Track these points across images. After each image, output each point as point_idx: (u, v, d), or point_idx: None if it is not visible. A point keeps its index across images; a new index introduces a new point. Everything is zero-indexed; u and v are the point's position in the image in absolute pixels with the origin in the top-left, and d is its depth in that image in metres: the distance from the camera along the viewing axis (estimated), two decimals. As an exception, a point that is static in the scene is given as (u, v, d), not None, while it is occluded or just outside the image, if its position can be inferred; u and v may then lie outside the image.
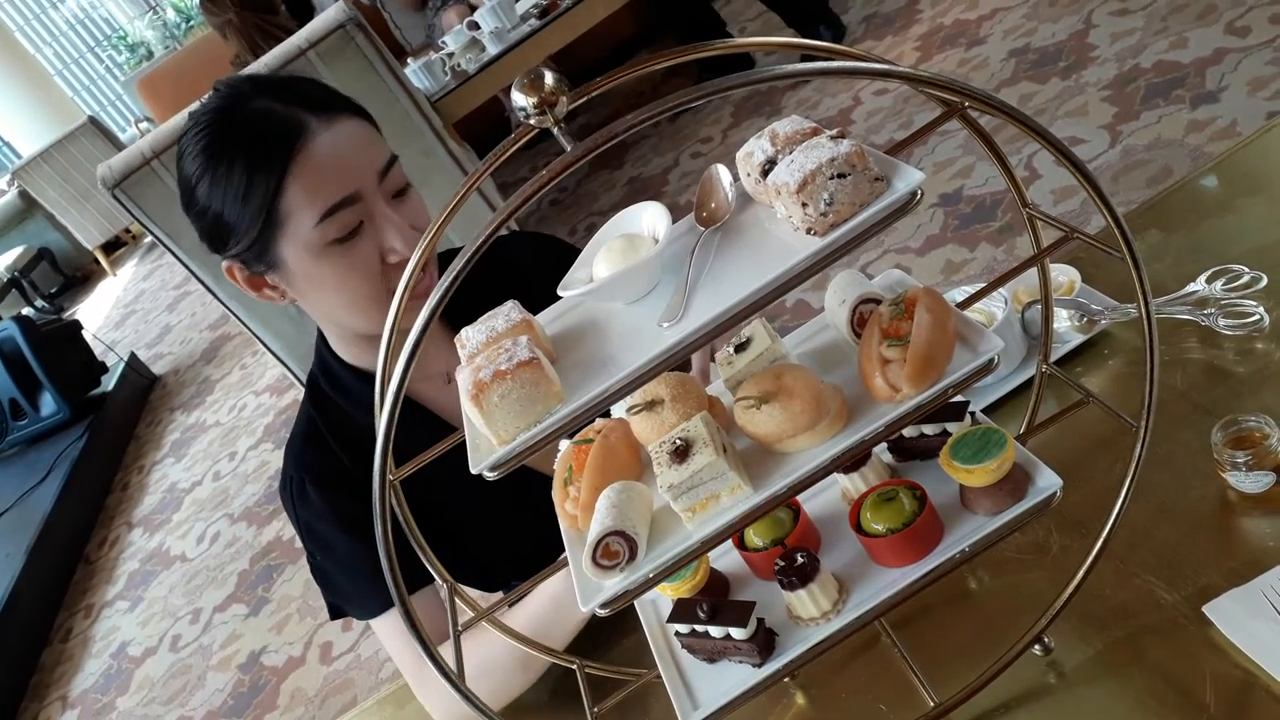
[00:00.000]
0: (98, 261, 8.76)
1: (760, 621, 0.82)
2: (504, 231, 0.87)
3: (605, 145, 0.59)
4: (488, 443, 0.71)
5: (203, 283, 2.93)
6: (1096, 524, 0.85)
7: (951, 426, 0.87)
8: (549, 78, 0.60)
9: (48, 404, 4.85)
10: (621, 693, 0.98)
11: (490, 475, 0.70)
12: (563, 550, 0.85)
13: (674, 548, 0.74)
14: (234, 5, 4.33)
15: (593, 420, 0.76)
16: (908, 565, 0.82)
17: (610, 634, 1.15)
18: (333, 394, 1.30)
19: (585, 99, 0.64)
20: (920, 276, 2.73)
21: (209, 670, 3.18)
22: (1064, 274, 1.24)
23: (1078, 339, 1.19)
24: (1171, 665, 0.84)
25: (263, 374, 4.90)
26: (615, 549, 0.73)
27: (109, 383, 5.23)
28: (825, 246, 0.67)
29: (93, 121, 8.12)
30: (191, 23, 10.86)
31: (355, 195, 1.12)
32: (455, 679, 0.78)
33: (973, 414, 0.89)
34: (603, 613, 0.75)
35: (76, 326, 5.22)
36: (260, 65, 3.31)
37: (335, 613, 1.32)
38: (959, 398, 0.82)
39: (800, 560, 0.81)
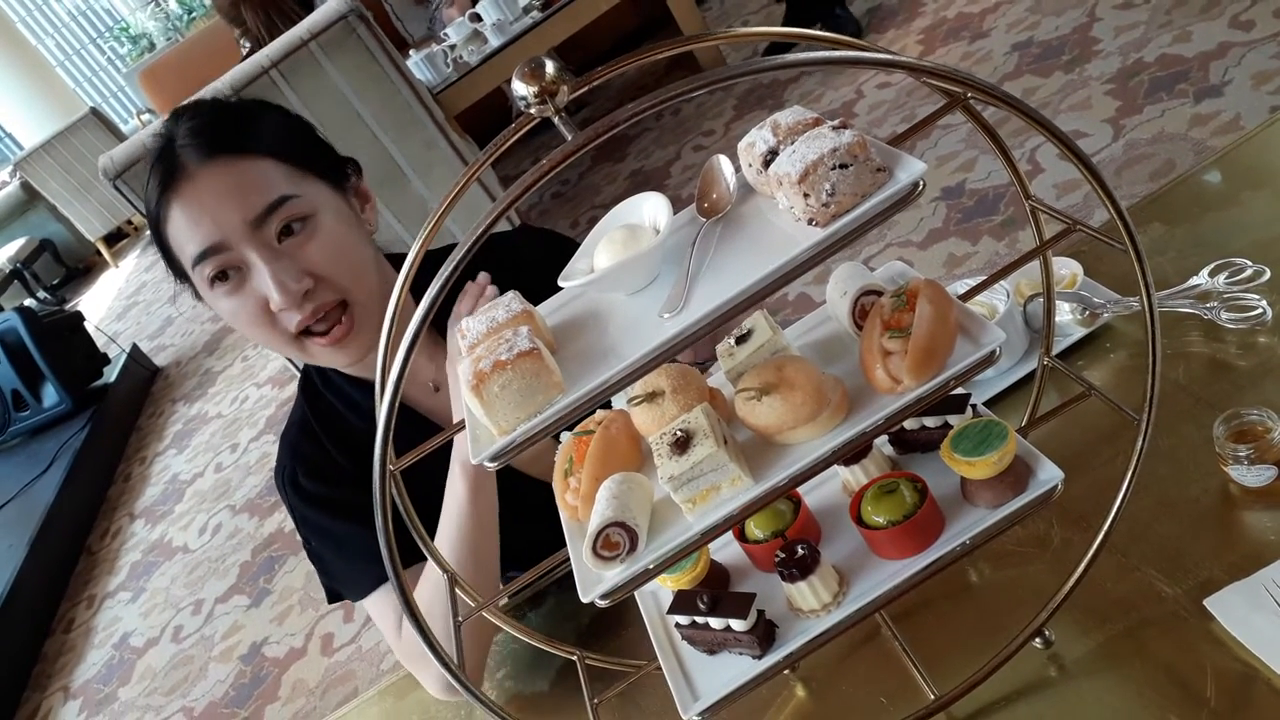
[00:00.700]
0: (100, 253, 8.76)
1: (760, 613, 0.82)
2: (504, 224, 0.87)
3: (607, 134, 0.58)
4: (488, 433, 0.71)
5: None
6: (1098, 517, 0.85)
7: (953, 419, 0.87)
8: (550, 66, 0.60)
9: (50, 395, 4.86)
10: (621, 684, 0.98)
11: (490, 466, 0.70)
12: (557, 549, 0.86)
13: (674, 539, 0.74)
14: None
15: (593, 411, 0.76)
16: (908, 558, 0.81)
17: (610, 625, 1.16)
18: (325, 392, 1.32)
19: (587, 89, 0.64)
20: (922, 270, 2.72)
21: (211, 661, 3.18)
22: (1066, 267, 1.23)
23: (1080, 332, 1.18)
24: (1172, 659, 0.84)
25: (264, 366, 4.91)
26: (616, 540, 0.73)
27: (111, 374, 5.24)
28: (827, 237, 0.66)
29: (95, 113, 8.12)
30: (194, 14, 10.85)
31: (221, 244, 1.12)
32: (454, 667, 0.78)
33: (974, 406, 0.89)
34: (603, 603, 0.75)
35: (79, 318, 5.23)
36: (263, 57, 3.31)
37: (332, 596, 1.34)
38: (960, 390, 0.82)
39: (801, 552, 0.81)
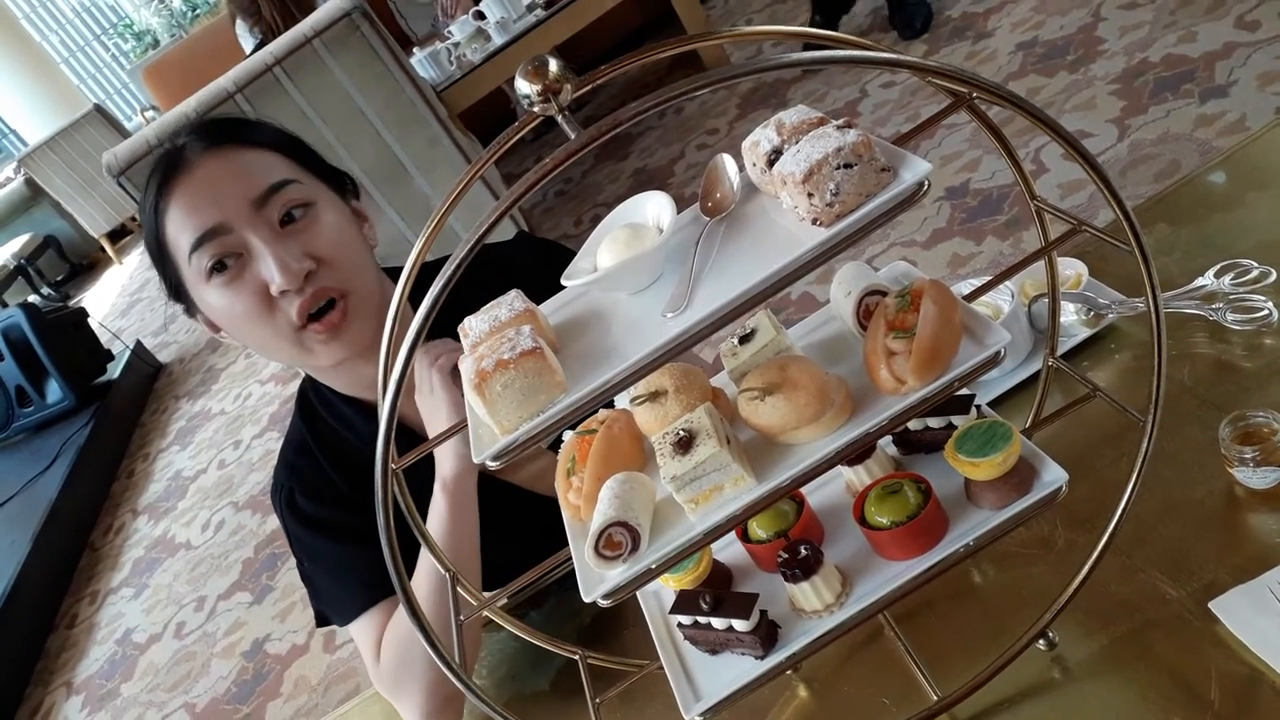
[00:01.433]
0: (103, 249, 8.77)
1: (763, 614, 0.82)
2: (507, 224, 0.87)
3: (610, 133, 0.58)
4: (490, 432, 0.71)
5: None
6: (1102, 519, 0.84)
7: (957, 419, 0.87)
8: (553, 64, 0.60)
9: (54, 391, 4.87)
10: (623, 683, 0.98)
11: (492, 465, 0.70)
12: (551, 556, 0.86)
13: (677, 539, 0.73)
14: None
15: (596, 411, 0.76)
16: (912, 559, 0.81)
17: (612, 625, 1.15)
18: (322, 410, 1.31)
19: (590, 87, 0.64)
20: (926, 270, 2.71)
21: (213, 657, 3.19)
22: (1071, 268, 1.23)
23: (1084, 333, 1.18)
24: (1177, 661, 0.83)
25: (267, 363, 4.91)
26: (618, 540, 0.73)
27: (114, 370, 5.25)
28: (831, 237, 0.66)
29: (99, 110, 8.12)
30: (197, 11, 10.86)
31: (222, 225, 1.11)
32: (457, 669, 0.78)
33: (978, 407, 0.88)
34: (605, 603, 0.75)
35: (82, 314, 5.24)
36: (267, 54, 3.31)
37: (320, 620, 1.33)
38: (965, 391, 0.81)
39: (803, 552, 0.81)
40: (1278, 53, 2.64)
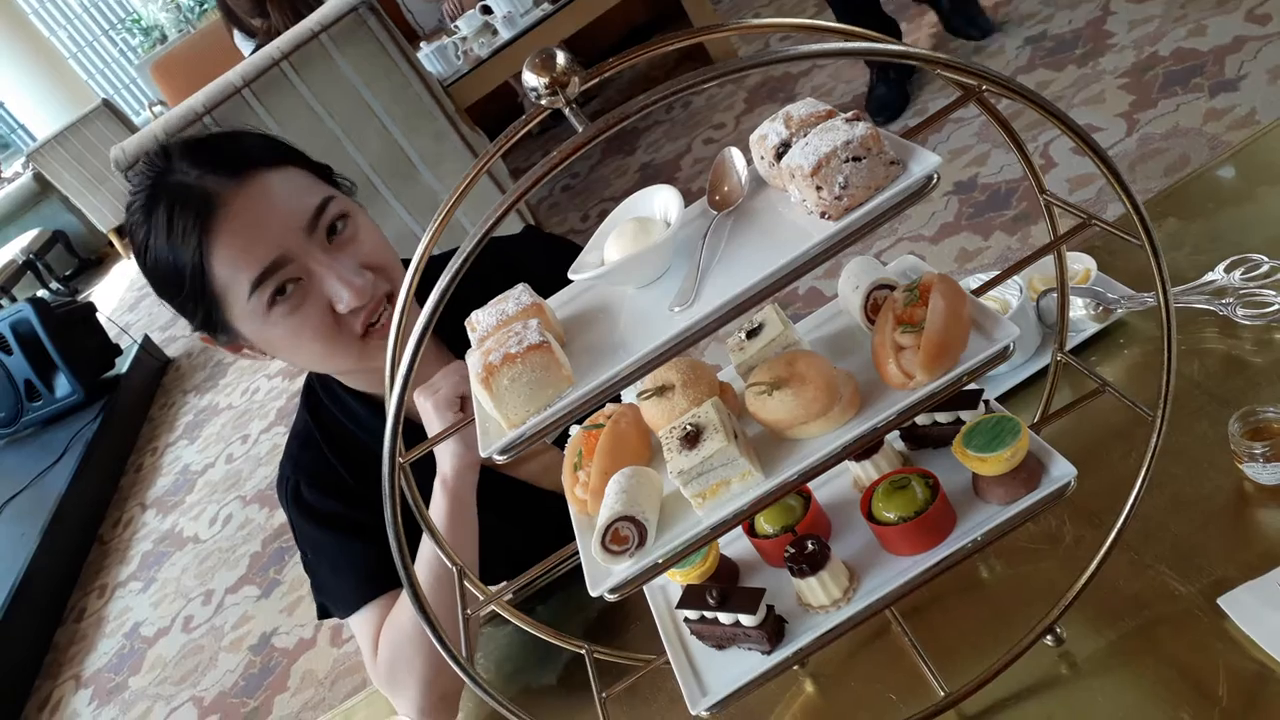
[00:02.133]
0: (112, 244, 8.79)
1: (770, 608, 0.82)
2: (514, 217, 0.86)
3: (617, 126, 0.58)
4: (497, 426, 0.71)
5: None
6: (1111, 514, 0.84)
7: (965, 414, 0.86)
8: (560, 57, 0.60)
9: (62, 385, 4.89)
10: (630, 678, 0.98)
11: (499, 459, 0.70)
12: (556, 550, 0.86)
13: (684, 534, 0.73)
14: None
15: (603, 405, 0.75)
16: (919, 554, 0.81)
17: (619, 620, 1.15)
18: (327, 403, 1.32)
19: (597, 80, 0.64)
20: (934, 265, 2.70)
21: (221, 651, 3.20)
22: (1080, 262, 1.23)
23: (1093, 328, 1.18)
24: (1185, 657, 0.83)
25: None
26: (625, 534, 0.73)
27: (123, 365, 5.26)
28: (840, 230, 0.66)
29: (107, 105, 8.12)
30: (205, 6, 10.87)
31: (283, 258, 1.08)
32: (463, 661, 0.78)
33: (987, 402, 0.88)
34: (612, 598, 0.75)
35: (91, 309, 5.25)
36: (274, 49, 3.31)
37: (321, 612, 1.33)
38: (973, 385, 0.81)
39: (811, 547, 0.81)
40: (1288, 46, 2.63)
